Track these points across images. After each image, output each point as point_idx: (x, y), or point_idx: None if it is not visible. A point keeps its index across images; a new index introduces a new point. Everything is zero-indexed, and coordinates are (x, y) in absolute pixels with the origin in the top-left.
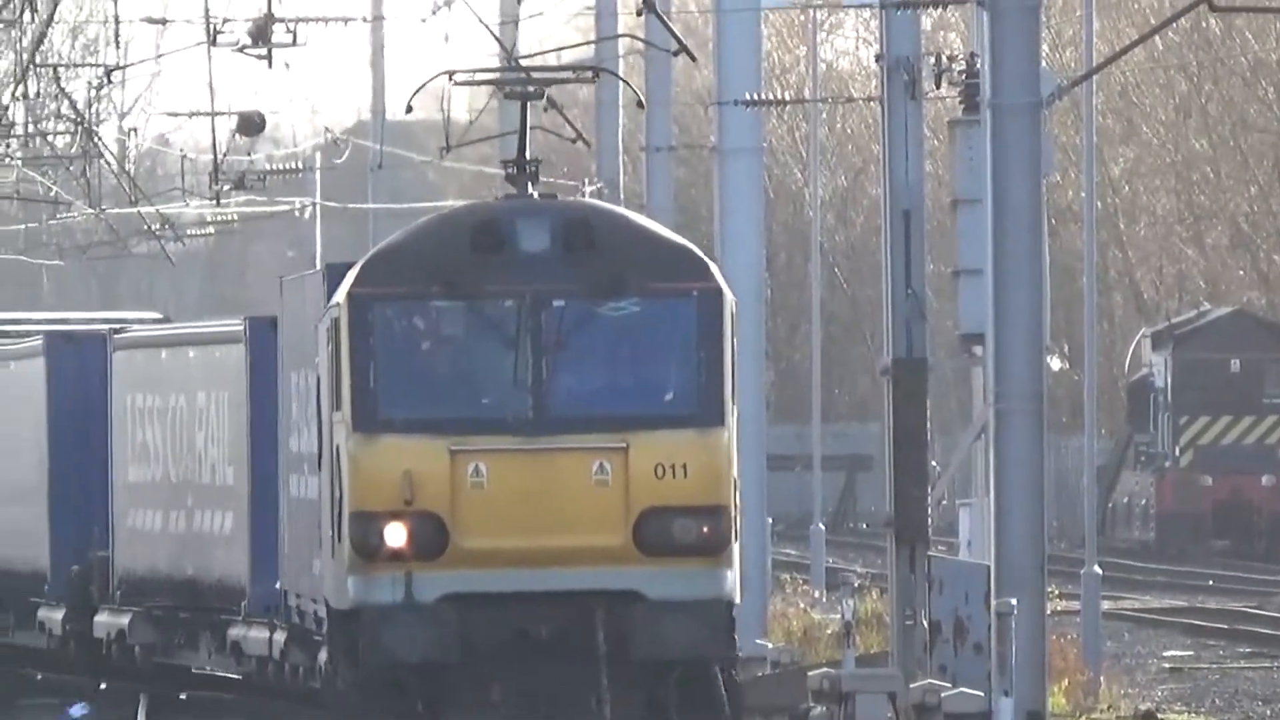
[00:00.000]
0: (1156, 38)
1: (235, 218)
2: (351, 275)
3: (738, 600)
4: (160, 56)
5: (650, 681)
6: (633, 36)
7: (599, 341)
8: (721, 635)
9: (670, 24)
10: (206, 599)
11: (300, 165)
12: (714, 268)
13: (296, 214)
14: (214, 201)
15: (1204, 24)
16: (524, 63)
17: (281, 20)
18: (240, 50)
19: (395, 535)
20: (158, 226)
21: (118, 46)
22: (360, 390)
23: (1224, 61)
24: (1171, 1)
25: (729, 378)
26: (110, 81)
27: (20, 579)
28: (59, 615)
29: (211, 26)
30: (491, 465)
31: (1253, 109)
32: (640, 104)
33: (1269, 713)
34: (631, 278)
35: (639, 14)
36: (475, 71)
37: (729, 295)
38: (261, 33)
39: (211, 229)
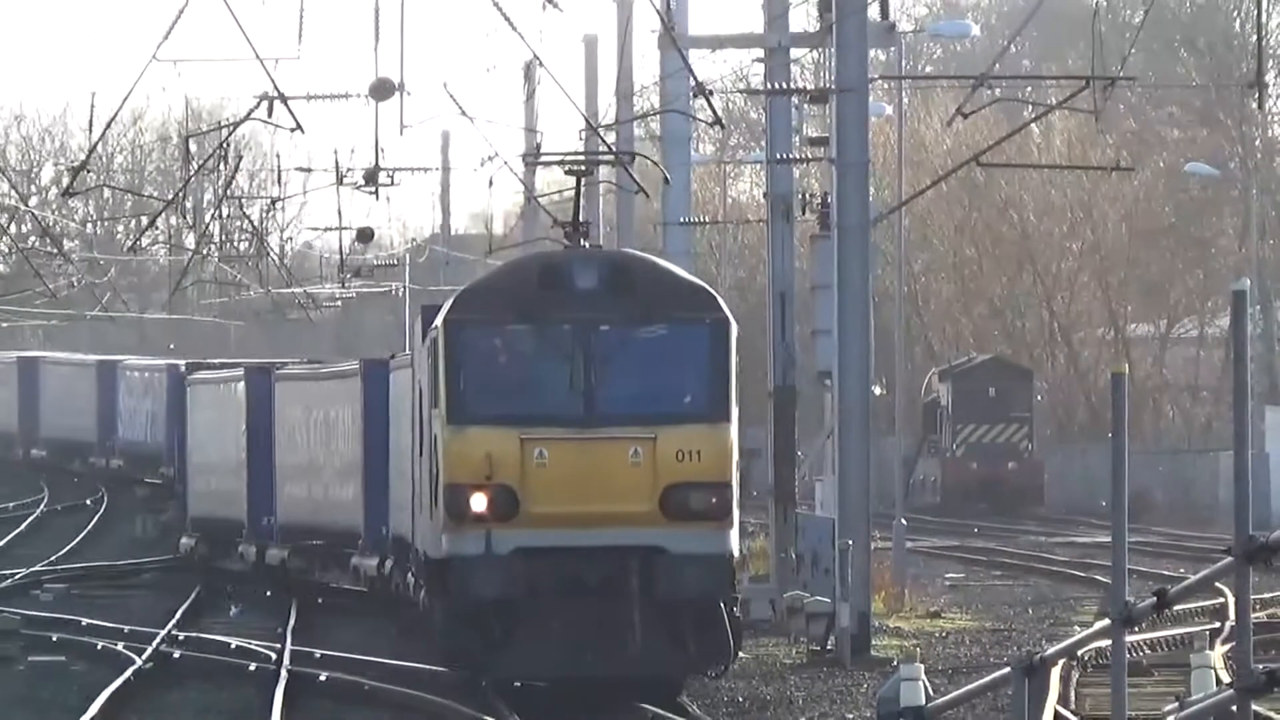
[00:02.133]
0: (943, 183)
1: (354, 295)
2: (447, 306)
3: (737, 554)
4: (306, 191)
5: (670, 617)
6: (610, 182)
7: (634, 358)
8: (725, 581)
9: (634, 174)
10: (336, 539)
11: (395, 262)
12: (722, 302)
13: (393, 294)
14: (341, 285)
15: (974, 173)
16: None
17: (384, 169)
18: (357, 187)
19: (479, 502)
20: (305, 301)
21: (279, 184)
22: (453, 392)
23: (985, 198)
24: (953, 158)
25: (732, 385)
26: (274, 207)
27: (226, 524)
28: (252, 548)
29: (339, 172)
30: (552, 450)
31: (1004, 228)
32: (646, 194)
33: (1012, 612)
34: (660, 309)
35: (613, 165)
36: (549, 153)
37: (733, 323)
38: (372, 176)
39: (339, 303)
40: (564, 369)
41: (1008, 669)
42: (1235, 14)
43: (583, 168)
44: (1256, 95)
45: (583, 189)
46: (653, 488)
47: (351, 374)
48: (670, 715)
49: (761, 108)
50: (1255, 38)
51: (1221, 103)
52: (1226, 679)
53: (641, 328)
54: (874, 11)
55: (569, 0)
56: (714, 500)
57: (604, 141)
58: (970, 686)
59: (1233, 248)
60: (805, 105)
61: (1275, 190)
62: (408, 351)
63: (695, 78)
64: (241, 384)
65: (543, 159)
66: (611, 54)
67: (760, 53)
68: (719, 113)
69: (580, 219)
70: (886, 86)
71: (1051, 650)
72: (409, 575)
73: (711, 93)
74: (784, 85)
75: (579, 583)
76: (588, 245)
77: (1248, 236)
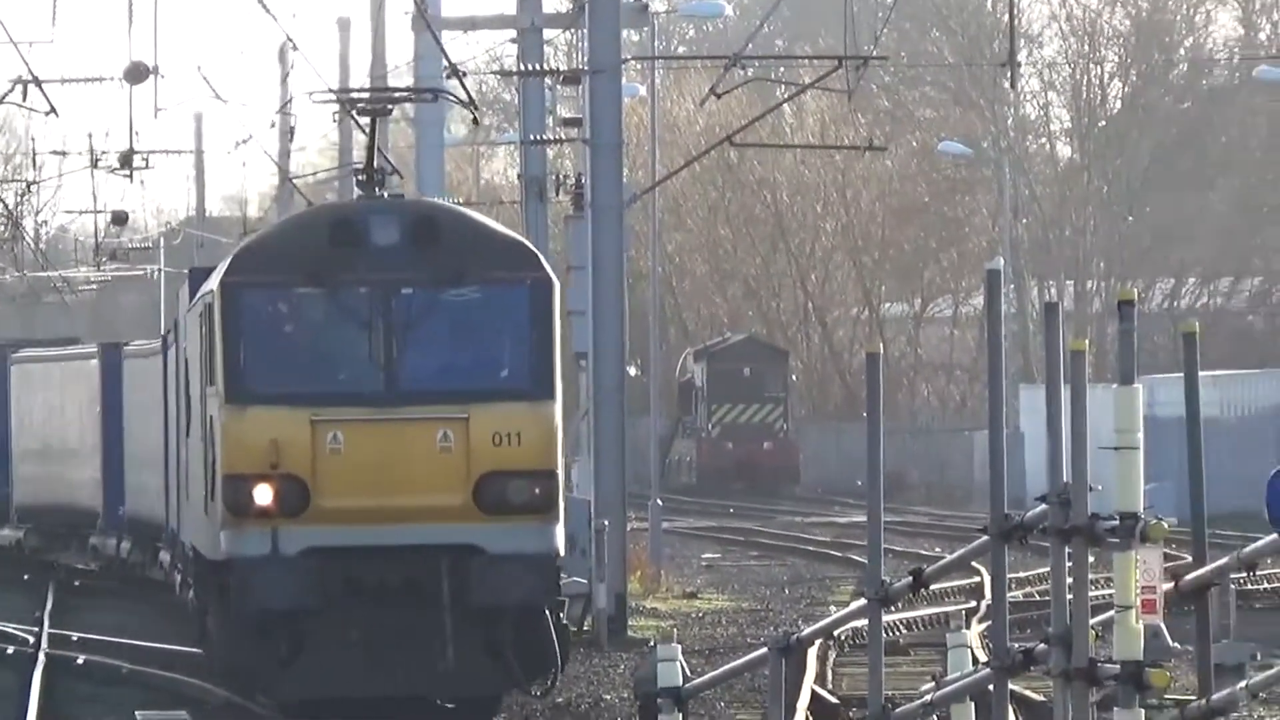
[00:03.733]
0: (697, 163)
1: (110, 279)
2: (223, 267)
3: (562, 553)
4: (61, 175)
5: (488, 626)
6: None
7: (443, 324)
8: (551, 584)
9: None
10: (74, 519)
11: (150, 245)
12: (543, 259)
13: (149, 277)
14: (96, 268)
15: (727, 153)
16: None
17: (138, 152)
18: (112, 171)
19: (263, 495)
20: (60, 285)
21: (34, 168)
22: (232, 366)
23: (739, 178)
24: (706, 138)
25: (556, 356)
26: (29, 191)
27: None
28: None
29: (94, 155)
30: (348, 433)
31: (756, 208)
32: (475, 121)
33: (769, 592)
34: (472, 268)
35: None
36: (329, 90)
37: (556, 284)
38: (126, 159)
39: (95, 287)
40: (361, 338)
41: (764, 649)
42: None
43: (382, 105)
44: (1009, 74)
45: (377, 132)
46: (465, 477)
47: (90, 357)
48: None
49: (515, 89)
50: (1007, 16)
51: (974, 82)
52: (983, 658)
53: (450, 289)
54: None
55: None
56: (537, 490)
57: (357, 124)
58: (727, 667)
59: (986, 227)
60: (558, 86)
61: (1028, 169)
62: (162, 332)
63: (448, 59)
64: None
65: (345, 96)
66: (366, 36)
67: (513, 33)
68: (472, 94)
69: (375, 166)
70: (639, 67)
71: (808, 630)
72: (159, 559)
73: (465, 74)
74: (537, 66)
75: (380, 587)
76: (386, 196)
77: (1001, 215)
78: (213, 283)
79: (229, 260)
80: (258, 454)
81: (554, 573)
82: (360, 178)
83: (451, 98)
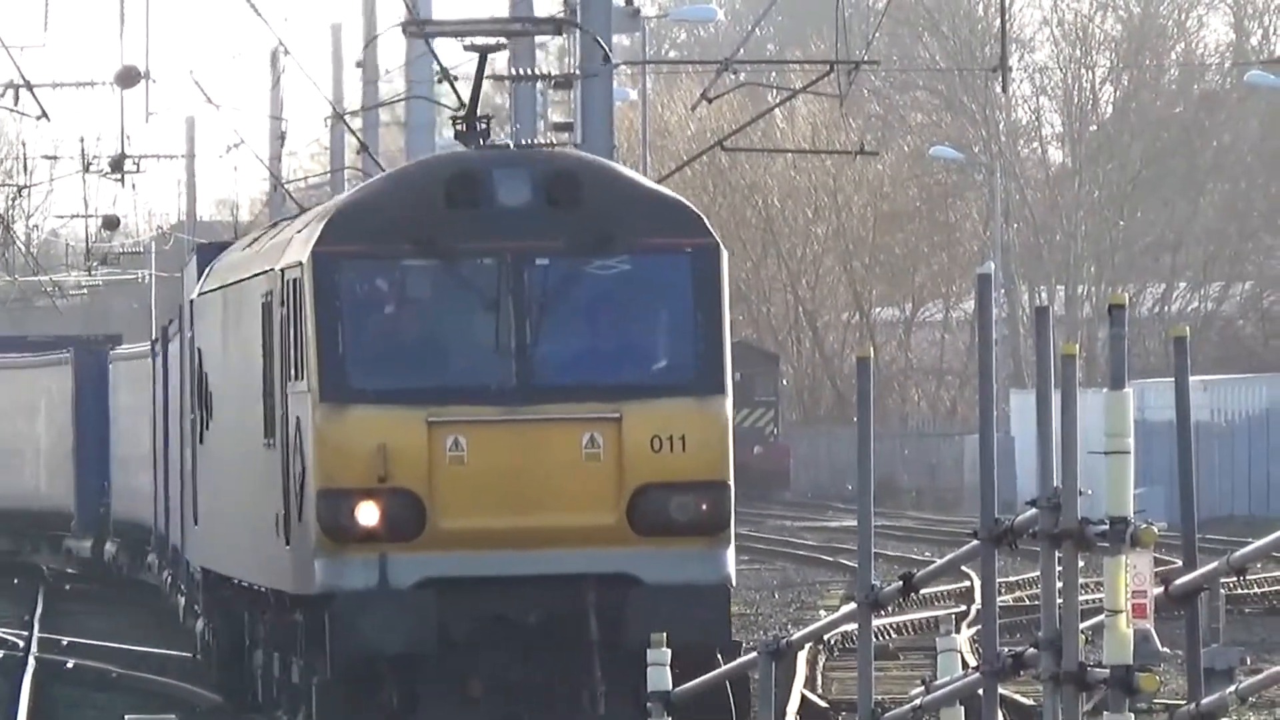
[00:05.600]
0: (688, 168)
1: (101, 284)
2: (314, 233)
3: (734, 583)
4: (53, 179)
5: (637, 670)
6: (353, 168)
7: (587, 303)
8: (722, 621)
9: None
10: (44, 521)
11: (142, 249)
12: (708, 222)
13: (140, 281)
14: (88, 273)
15: (718, 158)
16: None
17: (130, 156)
18: (104, 175)
19: (368, 514)
20: (51, 289)
21: (25, 172)
22: (328, 358)
23: (730, 182)
24: (697, 142)
25: (726, 341)
26: (20, 195)
27: None
28: None
29: (85, 160)
30: (472, 438)
31: (748, 212)
32: (607, 59)
33: (759, 597)
34: (621, 234)
35: (358, 153)
36: (438, 22)
37: (724, 252)
38: (118, 164)
39: (85, 291)
40: (487, 321)
41: (754, 653)
42: None
43: (494, 41)
44: (1001, 79)
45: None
46: (618, 491)
47: (63, 361)
48: None
49: (507, 93)
50: (999, 21)
51: (966, 87)
52: (973, 662)
53: (597, 260)
54: None
55: None
56: (704, 506)
57: (349, 129)
58: (717, 671)
59: (977, 231)
60: (550, 91)
61: (1019, 174)
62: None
63: (439, 63)
64: None
65: (440, 30)
66: (357, 41)
67: (504, 38)
68: (463, 98)
69: (478, 113)
70: (630, 71)
71: (798, 634)
72: (147, 561)
73: (456, 79)
74: (529, 71)
75: (511, 626)
76: (512, 144)
77: (992, 220)
78: (301, 254)
79: (322, 224)
80: (362, 464)
81: (726, 607)
82: (460, 127)
83: (578, 27)
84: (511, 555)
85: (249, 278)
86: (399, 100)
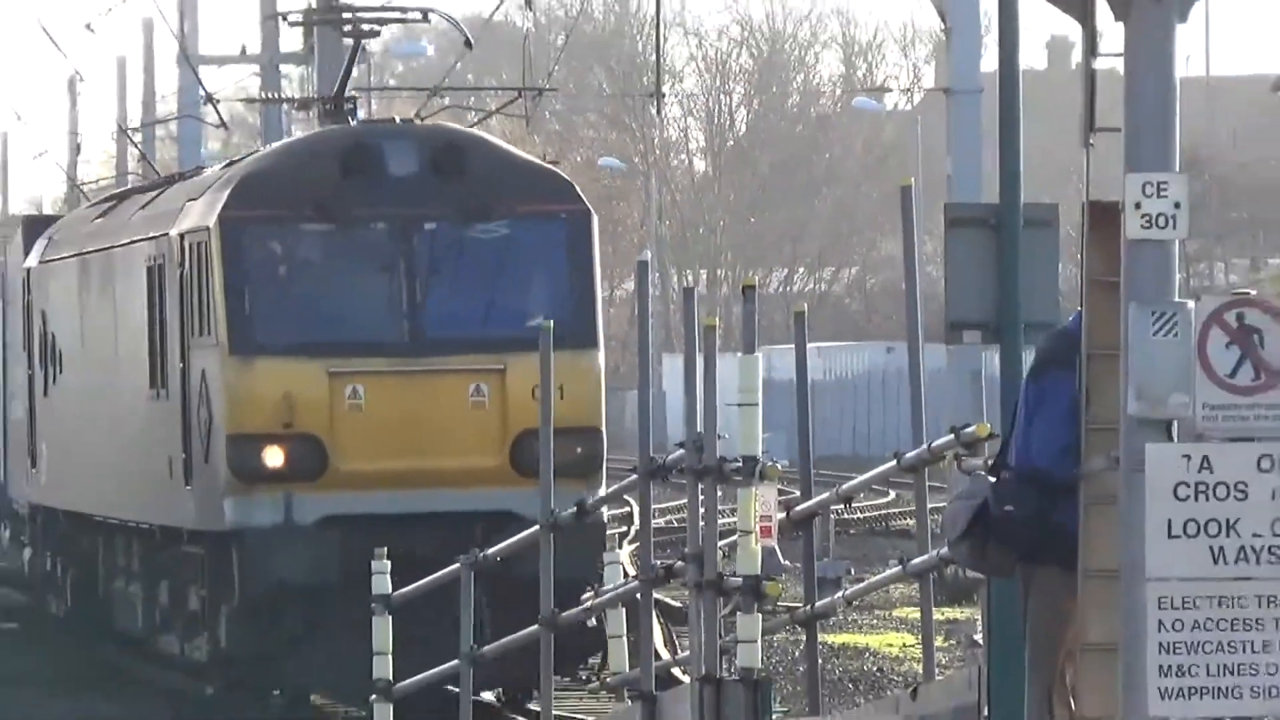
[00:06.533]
0: None
1: None
2: (219, 200)
3: (605, 520)
4: None
5: (525, 600)
6: (135, 174)
7: (471, 264)
8: (595, 556)
9: (154, 165)
10: None
11: None
12: (579, 189)
13: None
14: None
15: None
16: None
17: None
18: None
19: (274, 457)
20: None
21: None
22: (235, 314)
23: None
24: None
25: (598, 298)
26: None
27: None
28: None
29: None
30: (369, 387)
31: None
32: (468, 43)
33: None
34: (502, 201)
35: (138, 161)
36: (305, 11)
37: (595, 217)
38: None
39: None
40: (381, 281)
41: (457, 566)
42: (639, 37)
43: (369, 27)
44: (656, 103)
45: (355, 58)
46: (501, 435)
47: None
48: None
49: (258, 114)
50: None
51: (628, 109)
52: (633, 573)
53: (480, 225)
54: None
55: (105, 26)
56: (580, 450)
57: (134, 144)
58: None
59: (637, 227)
60: (294, 112)
61: (670, 180)
62: None
63: (204, 89)
64: None
65: (323, 17)
66: (140, 70)
67: (257, 68)
68: (224, 117)
69: (345, 93)
70: (359, 96)
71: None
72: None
73: (218, 101)
74: (275, 95)
75: (407, 560)
76: (398, 118)
77: (648, 218)
78: (208, 219)
79: (227, 191)
80: (269, 411)
81: (600, 544)
82: (328, 106)
83: (446, 18)
84: (406, 494)
85: (127, 243)
86: (172, 120)
